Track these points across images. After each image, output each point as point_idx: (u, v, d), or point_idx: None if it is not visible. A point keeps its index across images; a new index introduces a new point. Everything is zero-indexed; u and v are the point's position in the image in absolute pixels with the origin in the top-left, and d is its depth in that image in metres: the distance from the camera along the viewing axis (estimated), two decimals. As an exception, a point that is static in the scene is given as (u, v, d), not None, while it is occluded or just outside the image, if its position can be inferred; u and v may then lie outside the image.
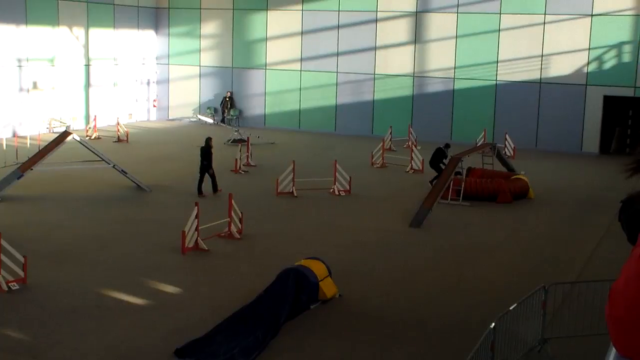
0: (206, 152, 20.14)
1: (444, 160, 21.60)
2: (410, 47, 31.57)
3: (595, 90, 28.93)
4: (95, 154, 20.25)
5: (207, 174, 19.99)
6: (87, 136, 28.72)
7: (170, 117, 36.31)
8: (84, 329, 10.67)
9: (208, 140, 20.50)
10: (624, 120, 29.69)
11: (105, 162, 20.33)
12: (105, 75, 33.62)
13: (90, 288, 12.40)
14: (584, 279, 13.09)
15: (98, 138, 29.18)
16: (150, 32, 35.91)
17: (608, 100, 28.99)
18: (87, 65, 32.63)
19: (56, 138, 20.45)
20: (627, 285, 2.64)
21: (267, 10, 33.88)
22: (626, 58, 28.64)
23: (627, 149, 29.38)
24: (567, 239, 16.74)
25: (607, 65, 28.94)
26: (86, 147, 20.42)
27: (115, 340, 10.36)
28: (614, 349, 2.79)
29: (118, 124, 29.93)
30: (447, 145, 22.63)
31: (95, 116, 31.18)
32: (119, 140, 29.02)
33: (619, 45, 28.69)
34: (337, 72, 32.84)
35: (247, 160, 24.39)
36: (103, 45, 33.32)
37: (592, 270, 14.18)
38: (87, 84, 32.75)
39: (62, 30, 31.35)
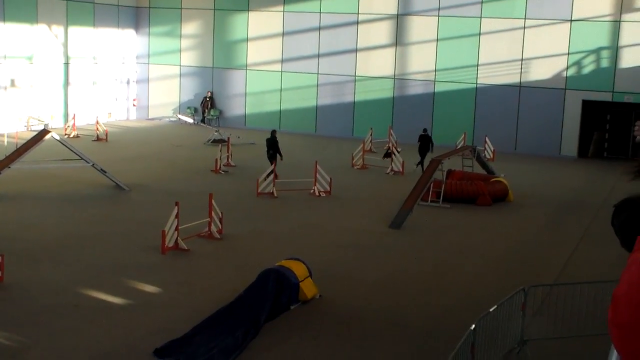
0: (272, 142, 22.15)
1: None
2: (391, 50, 31.64)
3: (574, 94, 29.17)
4: (74, 153, 20.07)
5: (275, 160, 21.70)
6: (65, 135, 28.50)
7: (150, 117, 36.12)
8: (61, 329, 10.56)
9: (273, 132, 22.61)
10: (602, 125, 29.95)
11: (84, 160, 20.17)
12: (85, 73, 33.37)
13: (68, 287, 12.28)
14: (562, 281, 13.17)
15: (77, 137, 28.97)
16: (131, 31, 35.69)
17: (587, 105, 29.24)
18: (66, 64, 32.37)
19: (34, 136, 20.26)
20: (630, 291, 2.64)
21: (248, 10, 33.81)
22: (605, 63, 28.91)
23: (605, 153, 29.66)
24: (546, 241, 16.85)
25: (586, 70, 29.19)
26: (65, 145, 20.25)
27: (94, 340, 10.26)
28: (615, 353, 2.78)
29: (97, 122, 29.73)
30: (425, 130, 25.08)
31: (74, 115, 30.91)
32: (98, 139, 28.81)
33: (597, 51, 28.95)
34: (318, 74, 32.84)
35: (228, 160, 24.32)
36: (82, 44, 33.07)
37: (571, 272, 14.27)
38: (66, 83, 32.49)
39: (40, 27, 31.07)
